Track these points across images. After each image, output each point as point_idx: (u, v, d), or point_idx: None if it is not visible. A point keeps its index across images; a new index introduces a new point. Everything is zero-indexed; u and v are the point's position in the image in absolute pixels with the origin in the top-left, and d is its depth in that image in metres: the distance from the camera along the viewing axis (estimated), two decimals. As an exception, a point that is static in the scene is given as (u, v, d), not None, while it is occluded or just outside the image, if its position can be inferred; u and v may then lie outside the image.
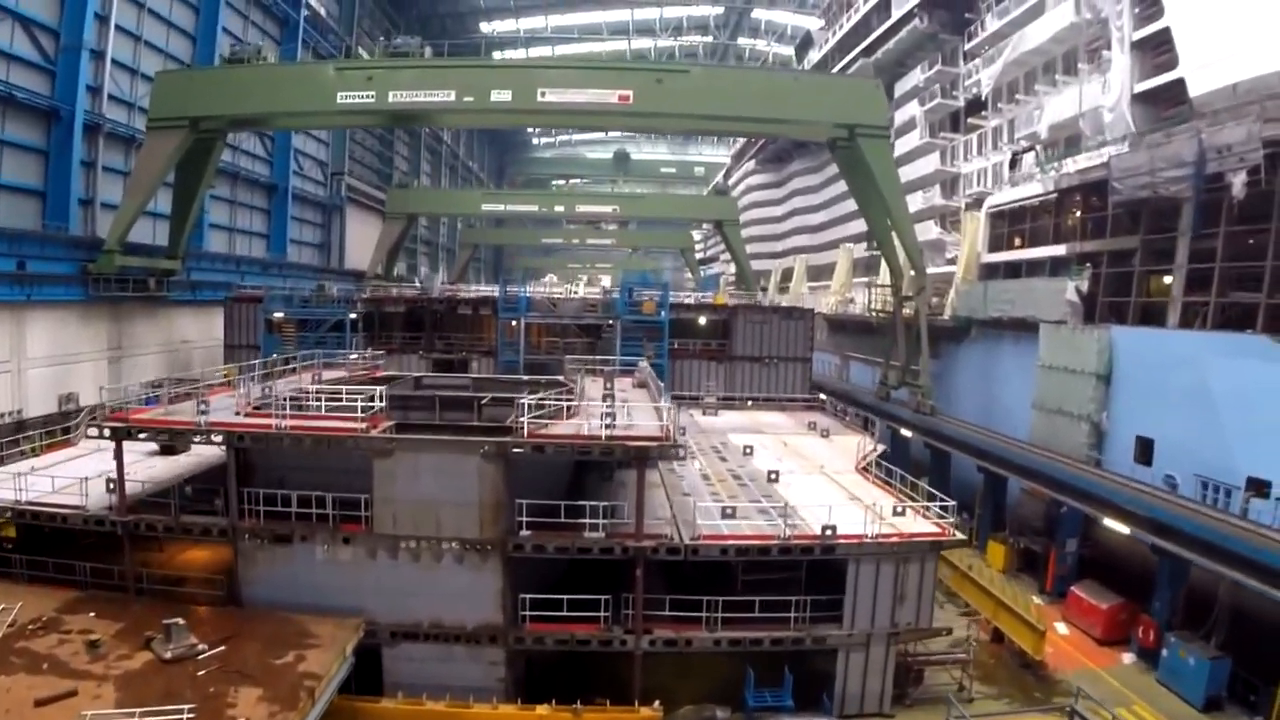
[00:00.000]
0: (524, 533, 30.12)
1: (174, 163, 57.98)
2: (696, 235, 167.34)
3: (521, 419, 30.53)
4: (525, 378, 49.45)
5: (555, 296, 66.12)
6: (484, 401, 38.70)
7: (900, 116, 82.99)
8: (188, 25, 72.19)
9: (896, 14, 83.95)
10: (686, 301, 68.05)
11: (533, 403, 31.48)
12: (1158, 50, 49.36)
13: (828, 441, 50.18)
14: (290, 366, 46.12)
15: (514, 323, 61.08)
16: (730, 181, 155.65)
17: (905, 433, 63.07)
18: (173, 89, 56.92)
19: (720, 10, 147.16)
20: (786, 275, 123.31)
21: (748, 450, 45.63)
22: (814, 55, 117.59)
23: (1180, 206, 42.85)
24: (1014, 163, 66.03)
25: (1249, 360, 37.96)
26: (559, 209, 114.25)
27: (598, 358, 56.02)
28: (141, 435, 31.73)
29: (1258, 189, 37.89)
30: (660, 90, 55.16)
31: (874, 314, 73.78)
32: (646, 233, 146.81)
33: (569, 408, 34.77)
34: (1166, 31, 47.80)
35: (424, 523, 30.23)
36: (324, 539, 30.94)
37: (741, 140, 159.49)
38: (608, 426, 30.73)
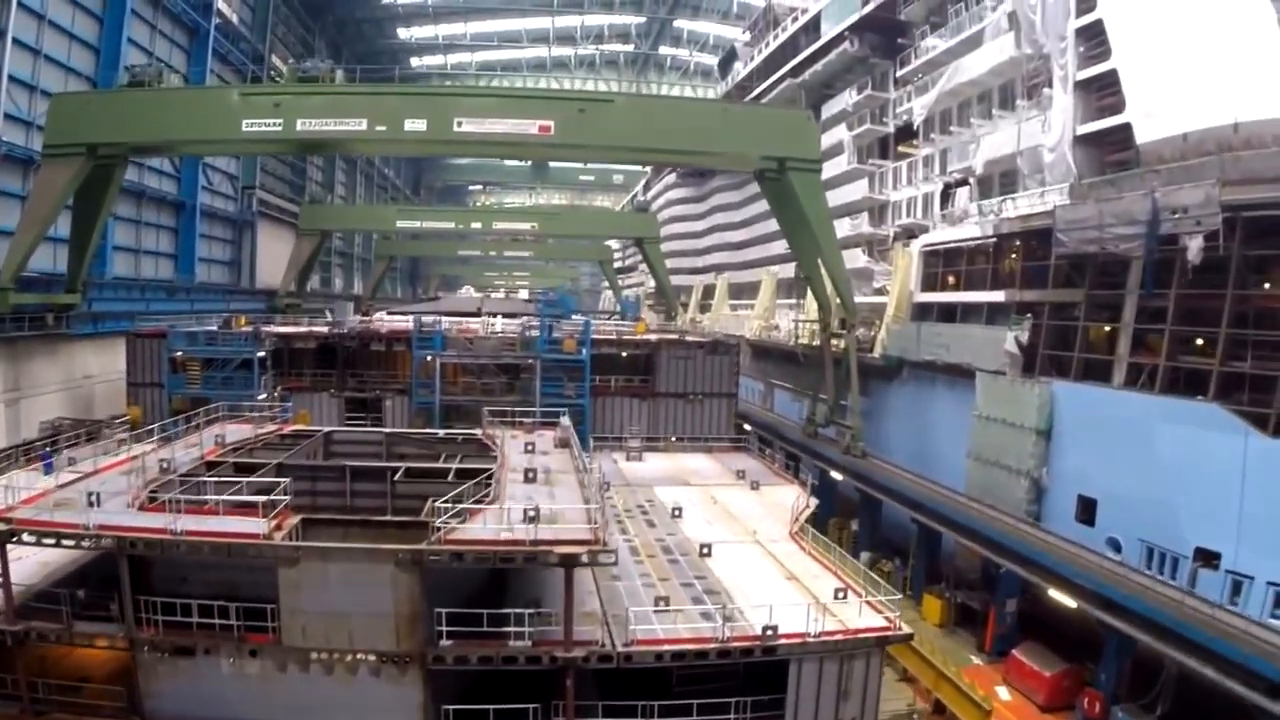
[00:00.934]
0: (444, 643, 27.39)
1: (71, 192, 54.50)
2: (615, 244, 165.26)
3: (438, 519, 27.88)
4: (441, 434, 46.85)
5: (471, 334, 63.56)
6: (397, 477, 36.22)
7: (827, 139, 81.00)
8: (91, 37, 67.95)
9: (826, 35, 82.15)
10: (608, 336, 65.47)
11: (451, 500, 28.81)
12: (1103, 92, 48.10)
13: (758, 495, 48.01)
14: (193, 423, 43.22)
15: (430, 358, 58.28)
16: (650, 194, 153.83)
17: (835, 474, 61.43)
18: (69, 114, 53.52)
19: (642, 19, 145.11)
20: (708, 292, 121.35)
21: (676, 512, 43.21)
22: (739, 68, 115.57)
23: (1129, 263, 41.14)
24: (946, 195, 64.60)
25: (1199, 428, 36.42)
26: (476, 225, 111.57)
27: (517, 402, 54.61)
28: (26, 538, 28.51)
29: (1214, 253, 36.20)
30: (583, 121, 53.34)
31: (800, 347, 71.87)
32: (564, 246, 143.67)
33: (489, 492, 32.36)
34: (1113, 74, 46.52)
35: (336, 634, 27.31)
36: (229, 651, 27.87)
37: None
38: (531, 519, 28.13)
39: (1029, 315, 47.48)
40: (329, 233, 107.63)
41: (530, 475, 35.26)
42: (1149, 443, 38.65)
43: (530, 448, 41.37)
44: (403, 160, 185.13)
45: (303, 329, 65.05)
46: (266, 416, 47.69)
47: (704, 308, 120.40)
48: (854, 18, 76.61)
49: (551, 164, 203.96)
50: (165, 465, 34.96)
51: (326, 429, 47.71)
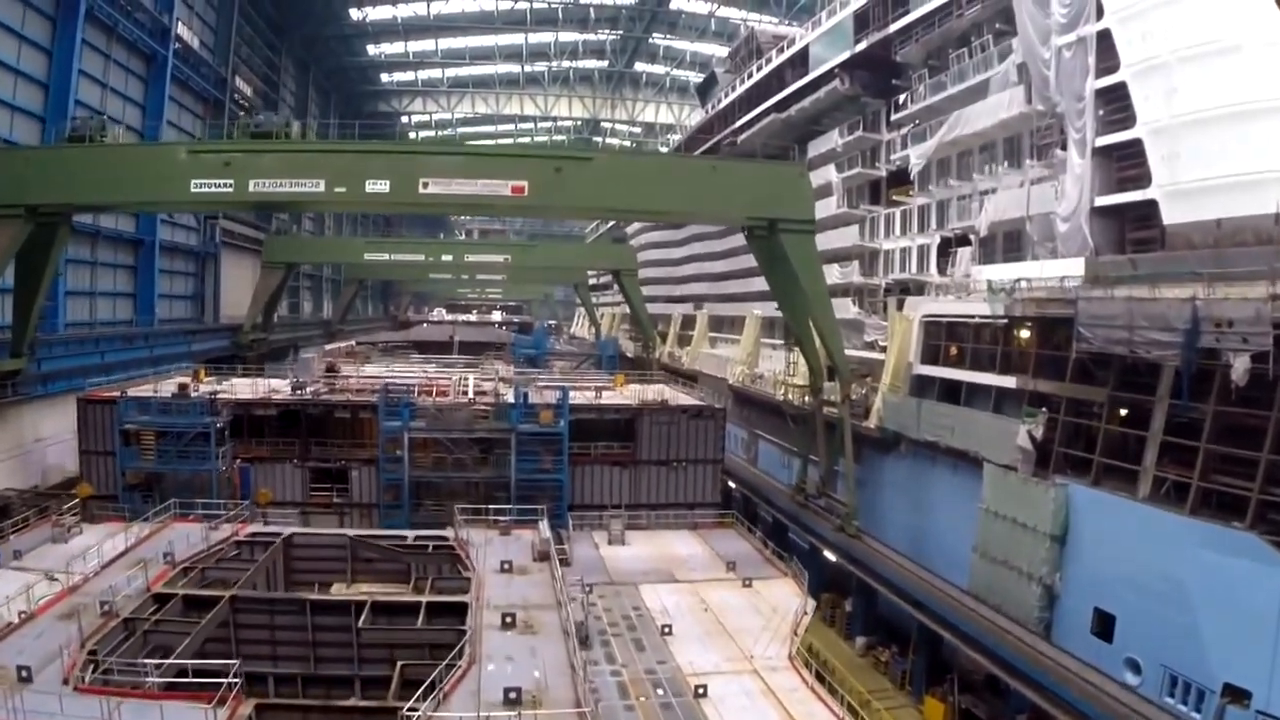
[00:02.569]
0: None
1: (12, 254, 50.40)
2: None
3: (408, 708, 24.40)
4: (410, 537, 43.42)
5: (443, 392, 60.31)
6: (362, 621, 32.75)
7: (815, 179, 77.35)
8: (39, 72, 63.82)
9: (815, 71, 78.41)
10: (587, 401, 61.76)
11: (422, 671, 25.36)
12: (1125, 162, 44.67)
13: (751, 595, 44.57)
14: (146, 531, 39.92)
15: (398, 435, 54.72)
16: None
17: (828, 554, 58.16)
18: (4, 173, 49.82)
19: (618, 35, 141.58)
20: (688, 322, 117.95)
21: (666, 630, 39.52)
22: (720, 96, 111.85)
23: (1160, 367, 37.59)
24: (945, 250, 61.38)
25: (1233, 556, 33.02)
26: (447, 257, 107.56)
27: (491, 476, 53.02)
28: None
29: (1261, 368, 32.65)
30: (559, 180, 50.00)
31: (788, 407, 67.90)
32: (539, 269, 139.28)
33: (464, 648, 28.92)
34: (1137, 144, 43.07)
35: None
36: None
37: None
38: (512, 701, 24.65)
39: (1044, 409, 43.79)
40: (294, 266, 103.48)
41: (508, 620, 31.92)
42: (1176, 564, 35.20)
43: (507, 566, 38.07)
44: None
45: (261, 395, 60.68)
46: (222, 516, 44.42)
47: (683, 339, 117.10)
48: (845, 55, 72.93)
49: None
50: (107, 607, 31.63)
51: (287, 530, 44.10)
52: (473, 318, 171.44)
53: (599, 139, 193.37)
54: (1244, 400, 33.77)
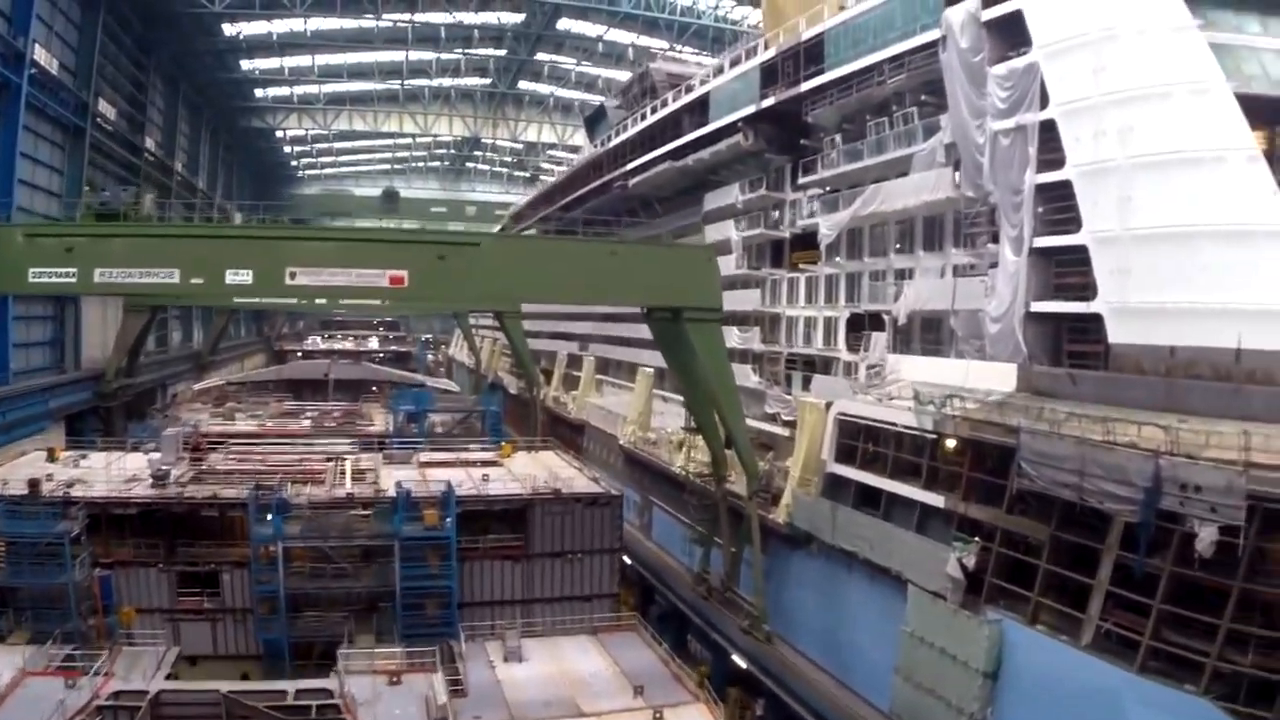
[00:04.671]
0: None
1: None
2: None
3: None
4: (292, 693, 38.68)
5: (318, 476, 55.93)
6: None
7: (713, 234, 74.89)
8: None
9: (715, 122, 74.72)
10: (474, 492, 56.85)
11: None
12: (1066, 267, 42.02)
13: (666, 727, 40.90)
14: None
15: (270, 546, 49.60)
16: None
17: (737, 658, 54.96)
18: None
19: (502, 52, 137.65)
20: (575, 362, 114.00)
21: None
22: (610, 134, 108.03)
23: (1110, 517, 34.54)
24: (855, 326, 58.59)
25: (1185, 722, 30.24)
26: (321, 301, 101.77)
27: (374, 585, 49.64)
28: None
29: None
30: (442, 269, 46.39)
31: (687, 483, 63.83)
32: (422, 304, 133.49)
33: None
34: (1082, 251, 40.35)
35: None
36: None
37: (523, 200, 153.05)
38: None
39: (976, 538, 40.48)
40: (160, 309, 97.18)
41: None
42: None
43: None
44: (246, 188, 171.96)
45: (121, 486, 54.51)
46: (79, 662, 40.11)
47: (569, 379, 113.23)
48: (750, 109, 69.52)
49: (402, 193, 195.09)
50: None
51: (155, 688, 39.15)
52: (349, 344, 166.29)
53: (479, 153, 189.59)
54: (1204, 564, 30.91)
